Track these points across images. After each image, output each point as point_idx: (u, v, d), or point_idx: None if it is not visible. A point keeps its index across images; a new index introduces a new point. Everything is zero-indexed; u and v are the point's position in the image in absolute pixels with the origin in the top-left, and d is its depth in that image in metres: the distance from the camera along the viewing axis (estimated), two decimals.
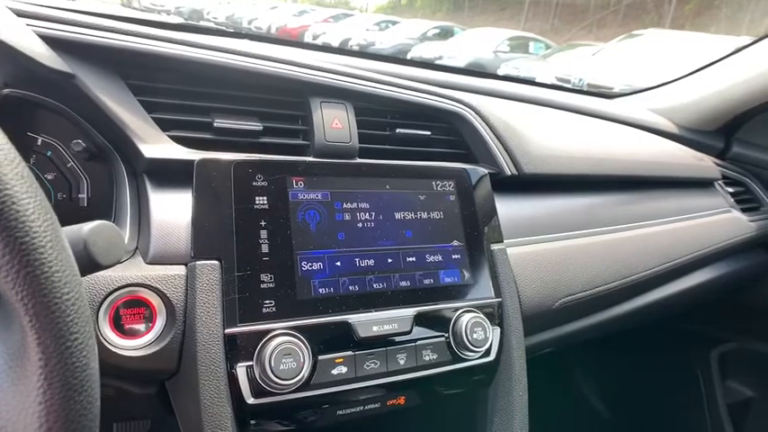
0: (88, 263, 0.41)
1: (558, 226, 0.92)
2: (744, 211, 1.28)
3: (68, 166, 0.66)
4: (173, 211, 0.62)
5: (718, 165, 1.32)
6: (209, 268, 0.59)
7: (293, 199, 0.65)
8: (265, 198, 0.64)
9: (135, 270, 0.58)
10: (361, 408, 0.66)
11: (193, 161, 0.63)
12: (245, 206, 0.62)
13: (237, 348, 0.57)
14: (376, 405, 0.67)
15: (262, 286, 0.60)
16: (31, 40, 0.58)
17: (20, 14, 0.60)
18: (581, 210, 0.98)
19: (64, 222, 0.41)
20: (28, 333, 0.31)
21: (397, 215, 0.71)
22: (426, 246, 0.72)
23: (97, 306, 0.55)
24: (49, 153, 0.66)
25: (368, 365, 0.64)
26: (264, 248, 0.61)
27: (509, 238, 0.82)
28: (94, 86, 0.62)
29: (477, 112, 0.86)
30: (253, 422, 0.59)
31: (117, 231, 0.45)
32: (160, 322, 0.58)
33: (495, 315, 0.74)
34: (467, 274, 0.73)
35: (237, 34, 1.09)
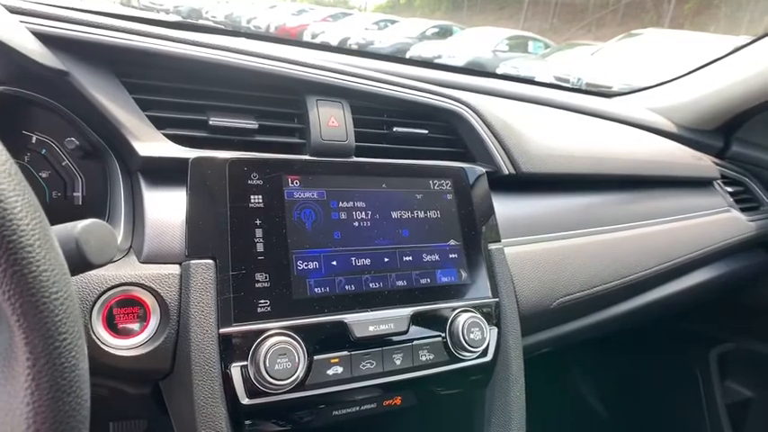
0: (80, 262, 0.41)
1: (555, 225, 0.92)
2: (743, 210, 1.28)
3: (63, 164, 0.66)
4: (167, 209, 0.62)
5: (718, 164, 1.31)
6: (204, 267, 0.58)
7: (289, 198, 0.65)
8: (261, 197, 0.63)
9: (129, 269, 0.57)
10: (357, 408, 0.65)
11: (188, 159, 0.62)
12: (240, 205, 0.62)
13: (232, 348, 0.57)
14: (372, 405, 0.66)
15: (257, 285, 0.59)
16: (25, 37, 0.58)
17: (13, 11, 0.60)
18: (579, 209, 0.98)
19: (59, 221, 0.41)
20: (15, 333, 0.31)
21: (394, 214, 0.71)
22: (423, 245, 0.71)
23: (90, 305, 0.54)
24: (43, 151, 0.65)
25: (364, 366, 0.63)
26: (260, 247, 0.61)
27: (507, 238, 0.81)
28: (89, 84, 0.62)
29: (475, 111, 0.85)
30: (248, 422, 0.59)
31: (110, 230, 0.44)
32: (154, 322, 0.57)
33: (493, 315, 0.73)
34: (464, 274, 0.73)
35: (235, 32, 1.08)
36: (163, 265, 0.59)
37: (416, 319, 0.67)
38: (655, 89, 1.48)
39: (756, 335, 1.45)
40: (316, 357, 0.60)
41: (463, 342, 0.68)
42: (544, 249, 0.87)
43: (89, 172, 0.67)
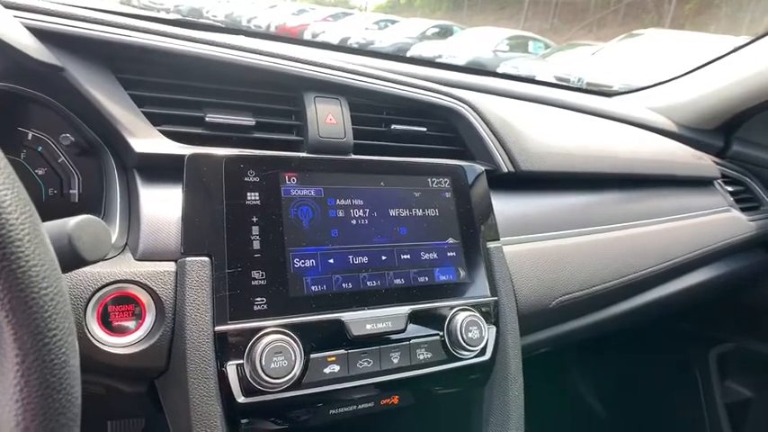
0: (73, 258, 0.40)
1: (555, 224, 0.91)
2: (743, 210, 1.28)
3: (59, 161, 0.66)
4: (163, 206, 0.61)
5: (718, 163, 1.31)
6: (200, 265, 0.58)
7: (286, 195, 0.64)
8: (257, 194, 0.63)
9: (124, 266, 0.57)
10: (354, 407, 0.65)
11: (184, 156, 0.62)
12: (236, 202, 0.61)
13: (228, 346, 0.56)
14: (369, 404, 0.66)
15: (253, 283, 0.59)
16: (19, 32, 0.57)
17: (7, 6, 0.59)
18: (579, 208, 0.97)
19: (55, 219, 0.40)
20: (4, 329, 0.30)
21: (392, 212, 0.70)
22: (421, 243, 0.71)
23: (85, 303, 0.54)
24: (39, 148, 0.65)
25: (361, 364, 0.63)
26: (256, 245, 0.60)
27: (505, 236, 0.81)
28: (84, 80, 0.61)
29: (474, 109, 0.85)
30: (244, 421, 0.58)
31: (103, 226, 0.44)
32: (149, 319, 0.57)
33: (491, 314, 0.73)
34: (462, 273, 0.72)
35: (233, 30, 1.07)
36: (158, 263, 0.58)
37: (414, 318, 0.66)
38: (655, 88, 1.48)
39: (756, 335, 1.45)
40: (312, 356, 0.60)
41: (461, 341, 0.67)
42: (543, 248, 0.87)
43: (85, 169, 0.67)
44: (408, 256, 0.69)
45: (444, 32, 13.47)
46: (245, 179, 0.63)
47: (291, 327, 0.59)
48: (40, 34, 0.59)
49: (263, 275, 0.59)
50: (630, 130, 1.26)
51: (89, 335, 0.54)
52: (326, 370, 0.60)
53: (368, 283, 0.66)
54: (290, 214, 0.64)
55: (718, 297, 1.36)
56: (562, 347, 1.10)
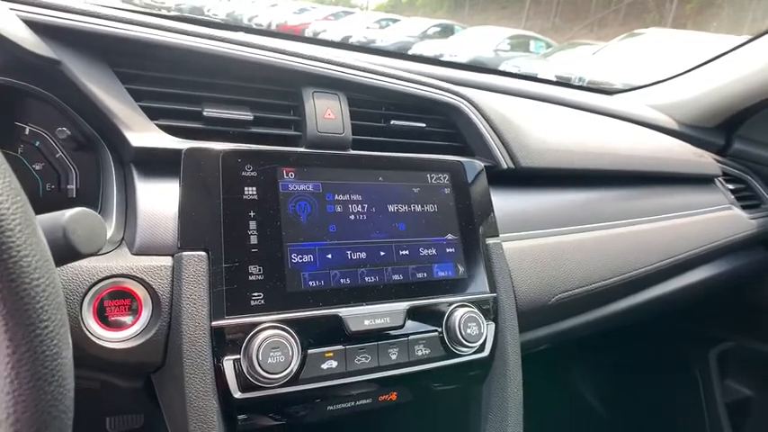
0: (67, 251, 0.40)
1: (555, 221, 0.91)
2: (744, 208, 1.27)
3: (57, 156, 0.65)
4: (160, 201, 0.61)
5: (719, 161, 1.30)
6: (196, 259, 0.57)
7: (284, 190, 0.64)
8: (255, 189, 0.62)
9: (120, 261, 0.57)
10: (352, 403, 0.65)
11: (181, 150, 0.61)
12: (233, 197, 0.61)
13: (224, 341, 0.56)
14: (367, 401, 0.66)
15: (250, 278, 0.58)
16: (16, 25, 0.57)
17: None
18: (579, 205, 0.97)
19: None
20: None
21: (391, 208, 0.70)
22: (420, 239, 0.70)
23: (81, 297, 0.54)
24: (37, 143, 0.64)
25: (359, 360, 0.62)
26: (253, 240, 0.60)
27: (505, 233, 0.81)
28: (81, 73, 0.61)
29: (474, 105, 0.84)
30: (241, 417, 0.58)
31: (98, 219, 0.43)
32: (146, 314, 0.57)
33: (490, 310, 0.73)
34: (461, 269, 0.72)
35: (233, 27, 1.07)
36: (155, 257, 0.58)
37: (412, 314, 0.66)
38: (655, 86, 1.47)
39: (756, 334, 1.44)
40: (310, 351, 0.59)
41: (460, 337, 0.67)
42: (543, 245, 0.86)
43: (83, 164, 0.66)
44: (407, 252, 0.69)
45: (446, 32, 13.45)
46: (243, 174, 0.62)
47: (289, 322, 0.58)
48: (37, 27, 0.59)
49: (260, 270, 0.59)
50: (631, 127, 1.26)
51: (85, 329, 0.53)
52: (324, 366, 0.60)
53: (366, 279, 0.65)
54: (287, 209, 0.63)
55: (718, 295, 1.35)
56: (562, 345, 1.09)
